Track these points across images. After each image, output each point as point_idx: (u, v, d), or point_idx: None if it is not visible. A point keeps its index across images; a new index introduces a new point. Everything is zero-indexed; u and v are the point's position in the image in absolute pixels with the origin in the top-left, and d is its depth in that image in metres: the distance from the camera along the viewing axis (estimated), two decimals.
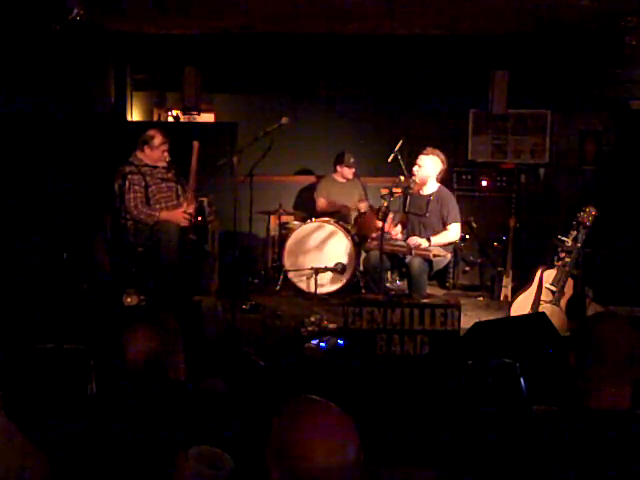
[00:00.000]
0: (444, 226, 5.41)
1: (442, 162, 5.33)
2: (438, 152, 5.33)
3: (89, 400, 2.71)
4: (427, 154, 5.29)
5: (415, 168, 5.27)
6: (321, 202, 6.57)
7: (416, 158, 5.34)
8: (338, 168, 6.55)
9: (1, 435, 1.69)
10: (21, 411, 1.88)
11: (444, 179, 5.62)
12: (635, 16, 5.52)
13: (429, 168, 5.32)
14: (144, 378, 2.14)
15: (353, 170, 6.50)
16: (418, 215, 5.37)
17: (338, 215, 6.43)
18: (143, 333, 2.18)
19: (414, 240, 5.27)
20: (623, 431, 1.71)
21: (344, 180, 6.56)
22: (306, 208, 6.62)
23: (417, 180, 5.25)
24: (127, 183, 4.98)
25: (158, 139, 5.13)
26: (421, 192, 5.36)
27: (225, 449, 1.71)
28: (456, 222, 5.41)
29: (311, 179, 7.16)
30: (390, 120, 6.90)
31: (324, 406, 1.43)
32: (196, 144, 5.04)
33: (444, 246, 5.35)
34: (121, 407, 2.06)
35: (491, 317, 5.23)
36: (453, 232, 5.40)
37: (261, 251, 6.78)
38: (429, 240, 5.29)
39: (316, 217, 6.29)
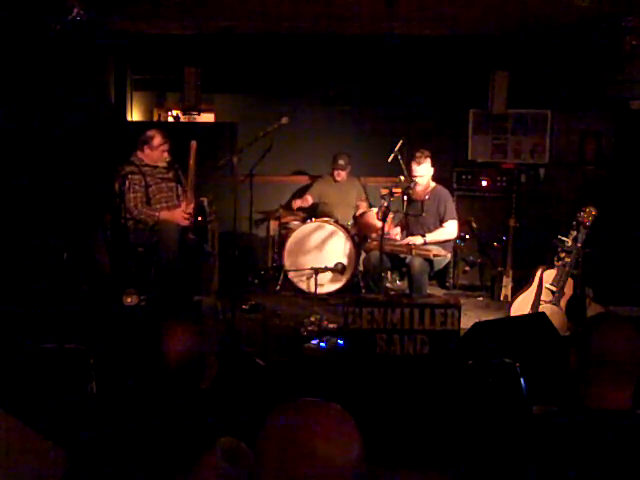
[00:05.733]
0: (441, 224, 5.43)
1: (430, 159, 5.38)
2: (427, 153, 5.37)
3: (89, 400, 2.71)
4: (420, 163, 5.32)
5: (417, 180, 5.30)
6: (298, 201, 6.57)
7: (410, 164, 5.37)
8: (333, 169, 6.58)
9: (14, 437, 1.69)
10: (20, 410, 1.88)
11: (444, 179, 5.62)
12: (635, 16, 5.52)
13: (426, 173, 5.39)
14: (184, 377, 2.09)
15: (343, 172, 6.50)
16: (415, 215, 5.39)
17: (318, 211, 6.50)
18: (185, 331, 2.13)
19: (412, 240, 5.29)
20: (623, 431, 1.71)
21: (340, 180, 6.56)
22: (306, 208, 6.61)
23: (419, 188, 5.32)
24: (127, 183, 4.97)
25: (157, 139, 5.12)
26: (417, 192, 5.38)
27: None
28: (453, 219, 5.43)
29: (311, 179, 7.17)
30: (390, 120, 6.90)
31: (325, 405, 1.42)
32: (194, 144, 5.03)
33: (442, 243, 5.36)
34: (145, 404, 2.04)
35: (491, 317, 5.23)
36: (450, 229, 5.42)
37: (261, 251, 6.78)
38: (424, 237, 5.31)
39: (316, 217, 6.30)
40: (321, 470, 1.31)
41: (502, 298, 6.06)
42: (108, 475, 1.85)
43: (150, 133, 5.16)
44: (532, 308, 4.84)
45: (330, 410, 1.40)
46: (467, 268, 6.45)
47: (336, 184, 6.57)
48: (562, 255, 4.83)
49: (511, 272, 6.10)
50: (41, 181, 5.36)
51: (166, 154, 5.15)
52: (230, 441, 1.68)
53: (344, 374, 4.00)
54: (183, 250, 5.00)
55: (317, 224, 6.15)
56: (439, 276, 6.42)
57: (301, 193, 6.83)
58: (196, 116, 6.97)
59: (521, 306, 4.89)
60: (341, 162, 6.46)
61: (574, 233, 4.80)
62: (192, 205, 5.13)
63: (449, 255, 5.51)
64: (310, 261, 5.96)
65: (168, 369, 2.07)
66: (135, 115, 7.55)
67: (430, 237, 5.33)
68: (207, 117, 7.90)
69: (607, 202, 5.73)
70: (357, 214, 6.21)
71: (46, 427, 1.91)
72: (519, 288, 5.16)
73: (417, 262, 5.19)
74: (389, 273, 6.16)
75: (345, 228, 6.11)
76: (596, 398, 1.79)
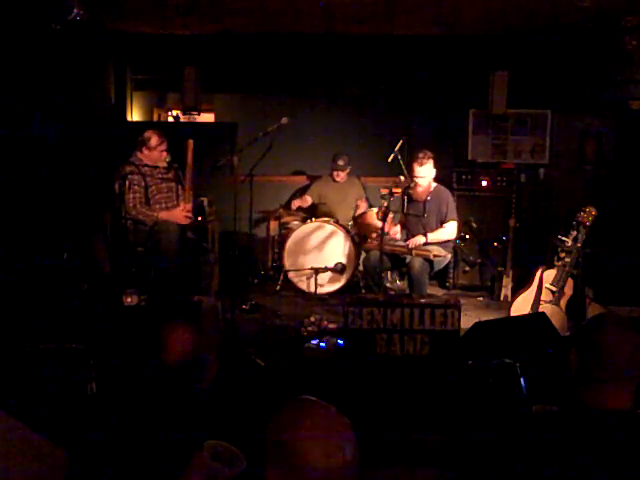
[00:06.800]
0: (442, 224, 5.43)
1: (433, 159, 5.37)
2: (429, 154, 5.35)
3: (89, 400, 2.71)
4: (422, 164, 5.30)
5: (419, 181, 5.29)
6: (297, 201, 6.58)
7: (412, 164, 5.36)
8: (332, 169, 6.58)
9: (14, 437, 1.69)
10: (20, 410, 1.88)
11: (444, 179, 5.61)
12: (635, 16, 5.52)
13: (428, 175, 5.37)
14: (183, 376, 2.08)
15: (343, 172, 6.50)
16: (417, 216, 5.39)
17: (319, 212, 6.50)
18: (185, 331, 2.11)
19: (414, 242, 5.29)
20: (623, 431, 1.71)
21: (339, 180, 6.56)
22: (305, 208, 6.61)
23: (420, 189, 5.32)
24: (127, 183, 4.98)
25: (155, 140, 5.12)
26: (419, 193, 5.37)
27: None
28: (453, 220, 5.43)
29: (310, 179, 7.17)
30: (390, 120, 6.90)
31: (321, 407, 1.43)
32: (190, 142, 5.02)
33: (441, 244, 5.37)
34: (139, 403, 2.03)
35: (491, 317, 5.23)
36: (450, 229, 5.42)
37: (261, 251, 6.78)
38: (426, 236, 5.32)
39: (316, 217, 6.30)
40: (318, 471, 1.32)
41: (502, 298, 6.06)
42: (108, 475, 1.85)
43: (147, 134, 5.16)
44: (532, 308, 4.83)
45: (325, 412, 1.41)
46: (467, 268, 6.45)
47: (336, 184, 6.57)
48: (562, 255, 4.83)
49: (511, 272, 6.10)
50: (41, 181, 5.36)
51: (165, 154, 5.15)
52: (218, 443, 1.69)
53: (344, 374, 4.00)
54: (183, 250, 5.00)
55: (317, 224, 6.15)
56: (439, 276, 6.42)
57: (300, 193, 6.84)
58: (196, 116, 6.97)
59: (521, 306, 4.89)
60: (340, 163, 6.46)
61: (574, 233, 4.80)
62: (190, 204, 5.13)
63: (449, 255, 5.51)
64: (310, 261, 5.95)
65: (168, 369, 2.06)
66: (135, 115, 7.55)
67: (431, 237, 5.34)
68: (207, 117, 7.90)
69: (607, 202, 5.73)
70: (357, 214, 6.21)
71: (46, 427, 1.91)
72: (519, 288, 5.16)
73: (417, 262, 5.19)
74: (389, 273, 6.15)
75: (345, 228, 6.11)
76: (596, 398, 1.78)
